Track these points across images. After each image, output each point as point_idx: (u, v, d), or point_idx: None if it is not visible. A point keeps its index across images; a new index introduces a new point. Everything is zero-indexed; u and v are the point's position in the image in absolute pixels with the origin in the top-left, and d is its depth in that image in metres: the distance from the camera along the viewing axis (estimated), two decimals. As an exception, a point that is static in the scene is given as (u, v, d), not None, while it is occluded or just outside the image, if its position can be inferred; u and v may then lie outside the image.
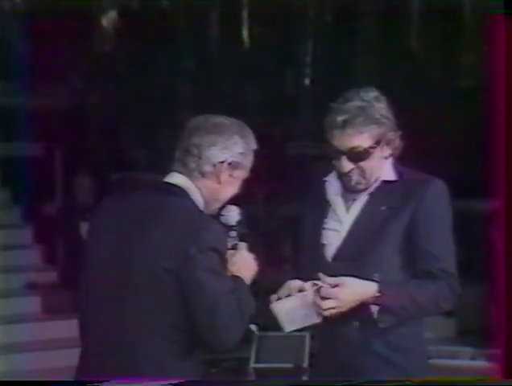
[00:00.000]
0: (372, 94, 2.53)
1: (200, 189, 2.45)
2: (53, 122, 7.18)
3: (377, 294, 2.46)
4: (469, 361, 5.59)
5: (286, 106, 7.86)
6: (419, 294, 2.49)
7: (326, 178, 2.67)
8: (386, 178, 2.57)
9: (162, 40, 7.93)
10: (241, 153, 2.46)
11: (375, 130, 2.50)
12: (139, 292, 2.35)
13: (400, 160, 2.62)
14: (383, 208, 2.54)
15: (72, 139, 7.18)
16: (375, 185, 2.57)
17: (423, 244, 2.51)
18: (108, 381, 2.35)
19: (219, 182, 2.46)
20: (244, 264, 2.45)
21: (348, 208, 2.59)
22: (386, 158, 2.57)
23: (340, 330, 2.53)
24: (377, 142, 2.51)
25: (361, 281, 2.47)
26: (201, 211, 2.43)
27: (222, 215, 2.51)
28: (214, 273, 2.32)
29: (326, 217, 2.61)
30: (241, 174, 2.49)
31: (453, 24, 7.52)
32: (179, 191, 2.42)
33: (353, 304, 2.45)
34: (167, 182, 2.45)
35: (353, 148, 2.50)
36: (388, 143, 2.54)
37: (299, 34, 8.20)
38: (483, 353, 5.37)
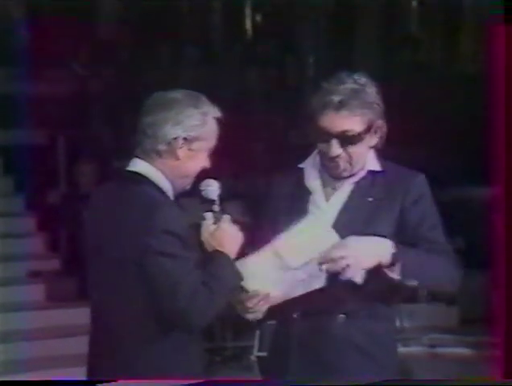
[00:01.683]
0: (364, 79, 2.49)
1: (161, 170, 2.41)
2: (55, 109, 7.17)
3: (394, 250, 2.36)
4: (472, 349, 5.59)
5: (288, 94, 7.84)
6: (434, 263, 2.43)
7: (302, 165, 2.61)
8: (371, 168, 2.53)
9: (164, 27, 7.91)
10: (197, 125, 2.40)
11: (368, 115, 2.45)
12: (116, 284, 2.35)
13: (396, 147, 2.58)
14: (370, 199, 2.49)
15: (74, 126, 7.16)
16: (361, 174, 2.52)
17: (421, 230, 2.47)
18: (108, 381, 2.33)
19: (177, 159, 2.41)
20: (226, 237, 2.39)
21: (327, 195, 2.53)
22: (372, 146, 2.52)
23: (323, 324, 2.46)
24: (369, 128, 2.46)
25: (373, 239, 2.38)
26: (154, 196, 2.36)
27: (202, 190, 2.46)
28: (170, 256, 2.28)
29: (306, 203, 2.53)
30: (204, 145, 2.43)
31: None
32: (138, 178, 2.40)
33: (369, 259, 2.35)
34: (127, 171, 2.43)
35: (345, 131, 2.44)
36: (376, 130, 2.49)
37: (302, 21, 8.18)
38: (485, 341, 5.37)
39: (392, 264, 2.37)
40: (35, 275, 6.25)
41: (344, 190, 2.53)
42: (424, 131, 6.94)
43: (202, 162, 2.45)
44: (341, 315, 2.46)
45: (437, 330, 5.84)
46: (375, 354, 2.47)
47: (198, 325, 2.33)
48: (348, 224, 2.47)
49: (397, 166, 2.58)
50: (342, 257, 2.33)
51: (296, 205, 2.54)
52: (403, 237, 2.46)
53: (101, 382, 2.34)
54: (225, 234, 2.40)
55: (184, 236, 2.32)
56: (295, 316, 2.49)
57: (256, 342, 4.33)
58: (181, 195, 2.49)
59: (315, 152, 2.57)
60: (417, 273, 2.40)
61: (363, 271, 2.36)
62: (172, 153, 2.41)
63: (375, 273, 2.37)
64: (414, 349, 5.56)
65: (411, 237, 2.47)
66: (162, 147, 2.41)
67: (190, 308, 2.27)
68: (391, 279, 2.38)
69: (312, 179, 2.56)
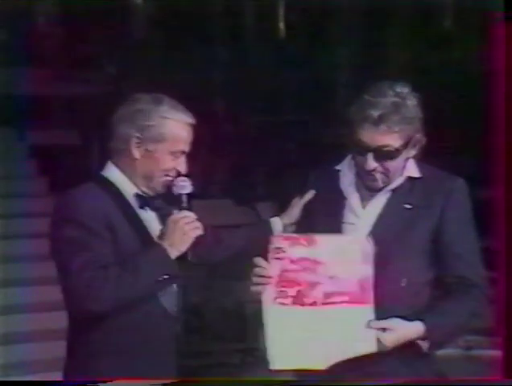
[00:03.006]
0: (405, 90, 2.43)
1: (122, 169, 2.44)
2: (88, 110, 7.21)
3: (425, 334, 2.37)
4: (483, 350, 5.52)
5: (322, 95, 7.81)
6: (460, 314, 2.44)
7: (338, 167, 2.57)
8: (410, 175, 2.48)
9: (197, 28, 7.92)
10: (152, 126, 2.40)
11: (407, 131, 2.40)
12: None
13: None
14: (408, 206, 2.44)
15: (107, 127, 7.20)
16: (399, 181, 2.47)
17: (453, 247, 2.43)
18: (107, 381, 2.34)
19: (134, 158, 2.42)
20: (174, 233, 2.37)
21: (364, 203, 2.49)
22: (410, 157, 2.48)
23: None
24: (407, 143, 2.42)
25: (408, 324, 2.36)
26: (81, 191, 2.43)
27: (173, 186, 2.46)
28: (66, 241, 2.33)
29: (342, 209, 2.49)
30: (162, 147, 2.42)
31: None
32: (100, 179, 2.46)
33: (399, 343, 2.36)
34: (95, 175, 2.51)
35: (382, 146, 2.39)
36: (415, 144, 2.45)
37: (333, 21, 8.14)
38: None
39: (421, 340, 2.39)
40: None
41: (382, 197, 2.49)
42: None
43: (164, 163, 2.43)
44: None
45: (473, 331, 5.77)
46: (411, 357, 2.44)
47: (90, 306, 2.32)
48: (386, 232, 2.43)
49: (436, 170, 2.53)
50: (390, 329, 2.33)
51: (331, 208, 2.50)
52: (435, 253, 2.44)
53: (100, 382, 2.34)
54: (172, 230, 2.38)
55: (89, 224, 2.33)
56: None
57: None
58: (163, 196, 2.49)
59: (351, 156, 2.53)
60: (451, 333, 2.46)
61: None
62: (128, 152, 2.42)
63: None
64: (449, 351, 5.50)
65: (444, 254, 2.43)
66: (119, 146, 2.44)
67: (78, 288, 2.30)
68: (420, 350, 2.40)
69: (348, 183, 2.52)
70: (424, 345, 2.39)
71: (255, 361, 5.64)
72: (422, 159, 2.53)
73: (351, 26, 8.10)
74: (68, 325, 2.48)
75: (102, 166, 2.55)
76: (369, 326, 2.33)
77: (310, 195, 2.59)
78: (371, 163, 2.41)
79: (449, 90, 7.17)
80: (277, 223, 2.67)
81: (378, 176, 2.44)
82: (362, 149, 2.41)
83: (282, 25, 8.20)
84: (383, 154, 2.40)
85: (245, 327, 5.72)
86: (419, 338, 2.38)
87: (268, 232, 2.60)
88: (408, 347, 2.37)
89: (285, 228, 2.65)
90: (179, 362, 2.53)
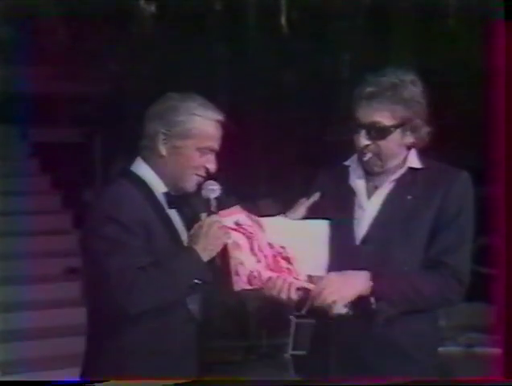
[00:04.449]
0: (409, 77, 2.46)
1: (152, 167, 2.43)
2: (92, 108, 7.22)
3: (371, 283, 2.39)
4: (485, 348, 5.50)
5: (325, 91, 7.81)
6: (421, 283, 2.43)
7: (347, 163, 2.60)
8: (412, 166, 2.50)
9: (199, 24, 7.91)
10: (181, 122, 2.39)
11: (400, 111, 2.42)
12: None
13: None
14: (409, 197, 2.47)
15: (111, 125, 7.21)
16: (401, 172, 2.50)
17: (441, 233, 2.44)
18: (103, 381, 2.34)
19: (161, 155, 2.41)
20: (205, 237, 2.37)
21: (369, 194, 2.51)
22: (409, 146, 2.49)
23: (363, 324, 2.44)
24: (400, 124, 2.44)
25: (351, 273, 2.39)
26: (119, 190, 2.39)
27: (202, 190, 2.46)
28: (107, 240, 2.30)
29: (352, 204, 2.52)
30: (189, 143, 2.41)
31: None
32: (129, 175, 2.43)
33: (350, 296, 2.38)
34: (121, 169, 2.49)
35: (373, 122, 2.42)
36: (413, 130, 2.46)
37: (337, 18, 8.13)
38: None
39: (370, 295, 2.39)
40: (71, 271, 6.30)
41: (385, 188, 2.51)
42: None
43: (191, 160, 2.42)
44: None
45: (475, 329, 5.77)
46: (415, 354, 2.44)
47: (129, 308, 2.30)
48: (387, 223, 2.46)
49: (440, 163, 2.55)
50: (330, 293, 2.35)
51: (340, 204, 2.53)
52: (432, 238, 2.44)
53: (98, 382, 2.34)
54: (205, 234, 2.37)
55: (128, 224, 2.31)
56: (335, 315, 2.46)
57: (291, 341, 4.31)
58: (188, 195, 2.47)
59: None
60: (404, 294, 2.41)
61: (347, 303, 2.38)
62: (155, 148, 2.41)
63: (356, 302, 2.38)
64: (451, 349, 5.50)
65: (430, 238, 2.44)
66: (148, 143, 2.43)
67: (120, 289, 2.26)
68: (368, 307, 2.39)
69: (356, 178, 2.55)
70: (372, 300, 2.39)
71: (258, 358, 5.65)
72: (425, 152, 2.54)
73: (354, 22, 8.09)
74: (94, 324, 2.46)
75: (106, 163, 2.55)
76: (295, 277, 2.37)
77: (317, 195, 2.60)
78: (362, 140, 2.44)
79: (450, 86, 7.16)
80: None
81: (370, 155, 2.45)
82: (356, 127, 2.45)
83: (284, 20, 8.19)
84: (374, 132, 2.42)
85: (247, 325, 5.73)
86: (368, 293, 2.39)
87: None
88: (358, 302, 2.38)
89: None
90: (199, 361, 2.55)
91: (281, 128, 7.43)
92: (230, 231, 2.40)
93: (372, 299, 2.39)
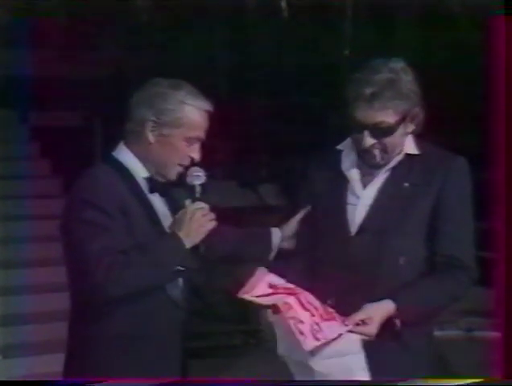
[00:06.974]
0: (400, 65, 2.42)
1: (135, 154, 2.42)
2: (92, 92, 7.20)
3: (396, 312, 2.37)
4: (484, 332, 5.50)
5: (326, 76, 7.79)
6: (438, 295, 2.43)
7: (340, 147, 2.56)
8: (408, 152, 2.48)
9: (199, 11, 7.88)
10: (170, 110, 2.37)
11: (402, 106, 2.40)
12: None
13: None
14: (406, 184, 2.44)
15: (111, 110, 7.19)
16: (397, 159, 2.47)
17: (444, 225, 2.43)
18: (100, 381, 2.33)
19: (149, 143, 2.39)
20: (189, 224, 2.35)
21: (365, 182, 2.48)
22: (409, 133, 2.47)
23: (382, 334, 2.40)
24: (403, 118, 2.41)
25: (380, 305, 2.36)
26: (97, 173, 2.40)
27: (187, 176, 2.44)
28: (84, 222, 2.30)
29: (344, 191, 2.49)
30: (177, 132, 2.39)
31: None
32: (112, 162, 2.44)
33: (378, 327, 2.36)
34: (104, 155, 2.49)
35: (377, 123, 2.38)
36: (413, 119, 2.44)
37: (337, 3, 8.10)
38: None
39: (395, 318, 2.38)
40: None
41: (381, 176, 2.48)
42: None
43: (178, 149, 2.40)
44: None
45: (474, 313, 5.77)
46: (411, 342, 2.44)
47: (109, 290, 2.29)
48: (385, 212, 2.43)
49: (436, 148, 2.52)
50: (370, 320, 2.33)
51: (333, 190, 2.50)
52: (432, 231, 2.42)
53: (95, 382, 2.33)
54: (189, 220, 2.36)
55: (106, 208, 2.31)
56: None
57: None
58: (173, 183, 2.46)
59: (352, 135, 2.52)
60: (425, 312, 2.43)
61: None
62: (143, 135, 2.39)
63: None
64: (450, 332, 5.50)
65: (435, 232, 2.42)
66: (134, 128, 2.41)
67: (97, 272, 2.26)
68: (394, 327, 2.39)
69: (349, 164, 2.52)
70: (397, 323, 2.38)
71: (257, 342, 5.66)
72: (422, 137, 2.53)
73: (355, 8, 8.07)
74: (76, 309, 2.46)
75: (104, 148, 2.54)
76: (345, 324, 2.30)
77: (306, 210, 2.59)
78: (368, 140, 2.41)
79: (450, 76, 7.15)
80: (276, 234, 2.67)
81: (377, 153, 2.43)
82: (359, 127, 2.41)
83: (285, 4, 8.16)
84: (379, 131, 2.40)
85: (247, 309, 5.73)
86: (391, 317, 2.38)
87: (267, 241, 2.63)
88: (382, 326, 2.36)
89: (283, 240, 2.66)
90: (183, 345, 2.53)
91: (281, 113, 7.41)
92: (272, 295, 2.35)
93: (397, 322, 2.39)
